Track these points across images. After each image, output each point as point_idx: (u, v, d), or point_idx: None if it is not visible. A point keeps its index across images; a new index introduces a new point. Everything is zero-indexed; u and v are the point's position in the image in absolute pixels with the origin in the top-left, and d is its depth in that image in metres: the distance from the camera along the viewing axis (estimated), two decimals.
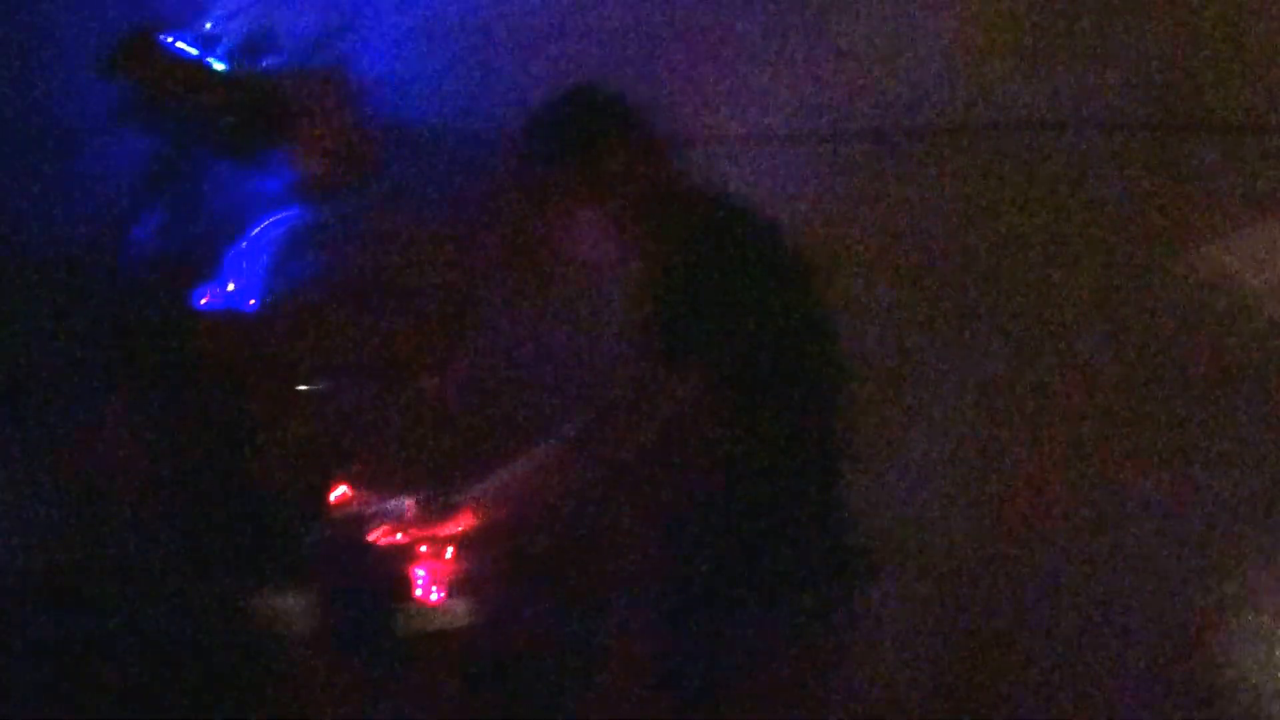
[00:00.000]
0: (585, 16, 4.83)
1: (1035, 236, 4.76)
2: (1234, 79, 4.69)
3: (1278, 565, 4.67)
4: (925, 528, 4.75)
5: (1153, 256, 4.74)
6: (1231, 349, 4.69)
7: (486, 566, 4.14)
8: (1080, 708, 4.70)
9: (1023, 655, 4.73)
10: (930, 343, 4.79)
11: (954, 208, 4.78)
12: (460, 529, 4.11)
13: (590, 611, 4.42)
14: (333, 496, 4.20)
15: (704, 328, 3.96)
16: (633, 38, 4.81)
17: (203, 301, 4.38)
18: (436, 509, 4.13)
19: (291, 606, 4.16)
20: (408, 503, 4.15)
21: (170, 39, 4.45)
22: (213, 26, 4.47)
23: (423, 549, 4.11)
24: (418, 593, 4.09)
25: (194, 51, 4.46)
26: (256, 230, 4.43)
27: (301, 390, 4.30)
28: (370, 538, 4.14)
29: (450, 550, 4.11)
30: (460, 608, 4.11)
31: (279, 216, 4.44)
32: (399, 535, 4.12)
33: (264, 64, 4.50)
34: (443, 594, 4.10)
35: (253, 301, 4.36)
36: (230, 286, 4.39)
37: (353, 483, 4.21)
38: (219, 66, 4.46)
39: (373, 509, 4.17)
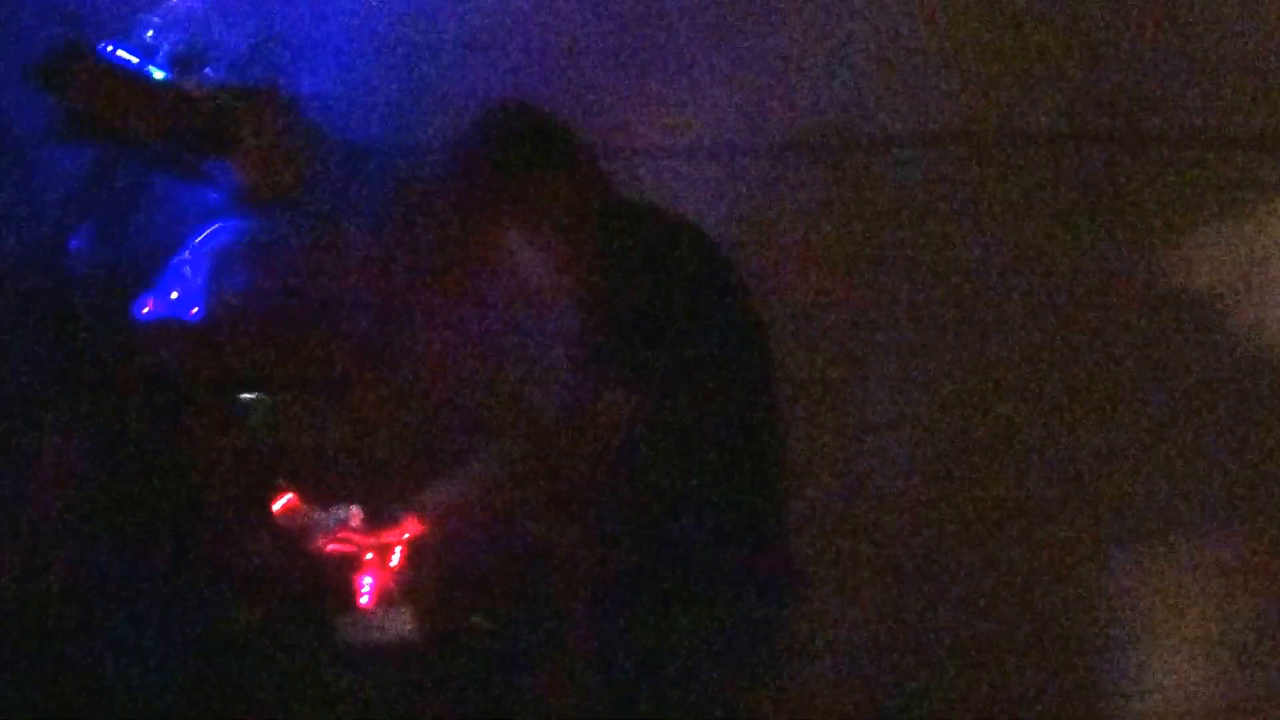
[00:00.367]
0: (518, 32, 4.86)
1: (972, 246, 4.84)
2: (1180, 91, 4.78)
3: (1223, 564, 4.77)
4: (863, 536, 4.81)
5: (1095, 266, 4.82)
6: (1179, 354, 4.78)
7: (431, 575, 4.15)
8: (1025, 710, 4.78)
9: (967, 660, 4.80)
10: (868, 352, 4.85)
11: (888, 219, 4.85)
12: (406, 537, 4.13)
13: (531, 620, 4.44)
14: (278, 505, 4.20)
15: (638, 341, 4.00)
16: (566, 53, 4.86)
17: (145, 311, 4.37)
18: (382, 518, 4.15)
19: (235, 615, 4.15)
20: (353, 511, 4.17)
21: (110, 48, 4.43)
22: (153, 36, 4.44)
23: (368, 557, 4.12)
24: (363, 601, 4.10)
25: (134, 60, 4.44)
26: (199, 239, 4.43)
27: (244, 399, 4.30)
28: (315, 546, 4.15)
29: (396, 559, 4.12)
30: (405, 616, 4.12)
31: (222, 226, 4.44)
32: (344, 543, 4.14)
33: (202, 75, 4.49)
34: (388, 602, 4.11)
35: (195, 311, 4.36)
36: (173, 295, 4.38)
37: (298, 491, 4.21)
38: (159, 75, 4.44)
39: (318, 517, 4.18)
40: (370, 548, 4.13)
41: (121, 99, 4.40)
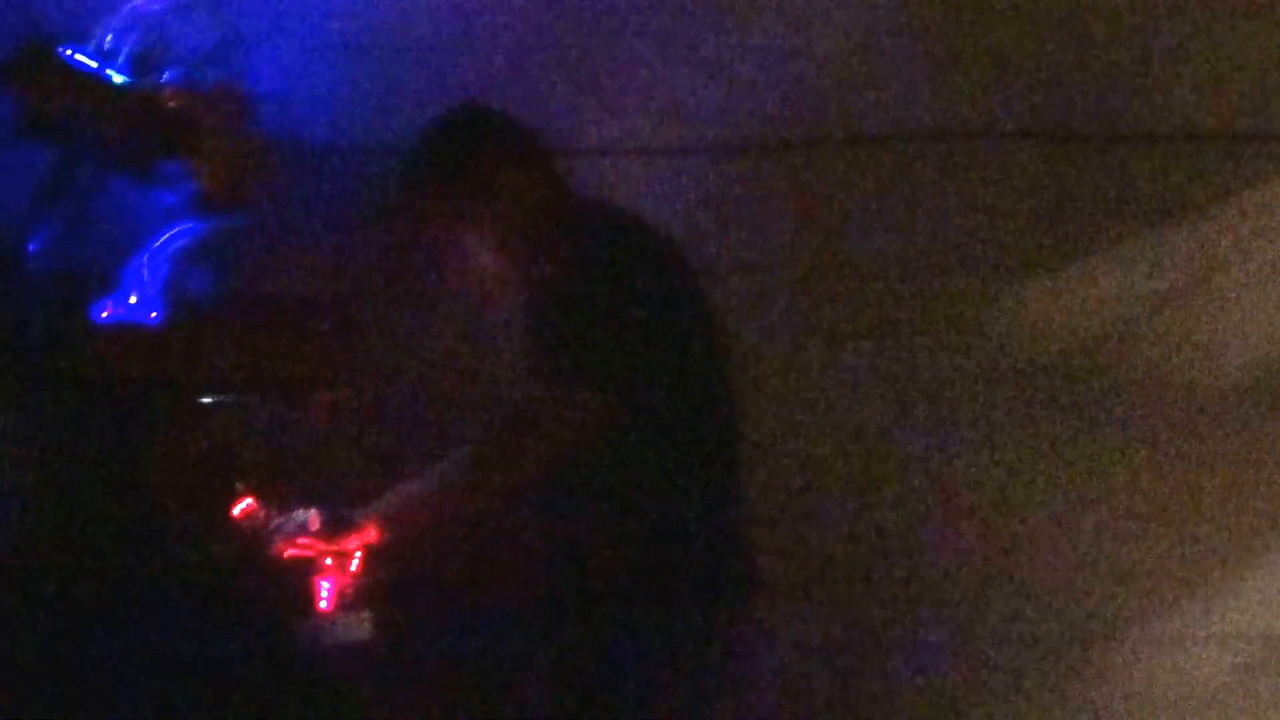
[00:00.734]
0: (476, 33, 4.87)
1: (923, 245, 4.87)
2: (1128, 89, 4.84)
3: (1166, 574, 4.83)
4: (812, 545, 4.84)
5: (1043, 265, 4.86)
6: (1124, 357, 4.83)
7: (391, 580, 4.17)
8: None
9: (912, 670, 4.85)
10: (821, 351, 4.88)
11: (850, 218, 4.87)
12: (365, 542, 4.15)
13: (489, 624, 4.47)
14: (237, 509, 4.21)
15: (596, 342, 4.02)
16: (526, 53, 4.87)
17: (104, 315, 4.37)
18: (341, 522, 4.17)
19: (194, 619, 4.15)
20: (312, 515, 4.19)
21: (70, 51, 4.43)
22: (113, 40, 4.44)
23: (327, 562, 4.14)
24: (322, 605, 4.12)
25: (93, 64, 4.44)
26: (159, 242, 4.42)
27: (203, 403, 4.30)
28: (274, 550, 4.16)
29: (355, 563, 4.14)
30: (365, 620, 4.14)
31: (181, 229, 4.44)
32: (303, 548, 4.16)
33: (161, 78, 4.49)
34: (347, 607, 4.12)
35: (155, 315, 4.36)
36: (132, 299, 4.38)
37: (257, 495, 4.22)
38: (119, 79, 4.44)
39: (277, 522, 4.20)
40: (329, 552, 4.15)
41: (80, 101, 4.40)
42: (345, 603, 4.13)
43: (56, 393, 4.26)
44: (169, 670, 3.98)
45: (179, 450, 4.28)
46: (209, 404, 4.32)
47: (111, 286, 4.41)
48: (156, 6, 4.52)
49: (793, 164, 4.91)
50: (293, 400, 4.39)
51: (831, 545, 4.88)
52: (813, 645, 4.85)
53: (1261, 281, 4.84)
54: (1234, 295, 4.85)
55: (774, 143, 4.89)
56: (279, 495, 4.25)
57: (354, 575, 4.15)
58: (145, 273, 4.41)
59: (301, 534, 4.18)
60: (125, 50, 4.48)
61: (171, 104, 4.46)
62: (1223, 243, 4.84)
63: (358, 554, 4.16)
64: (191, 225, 4.46)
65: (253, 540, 4.18)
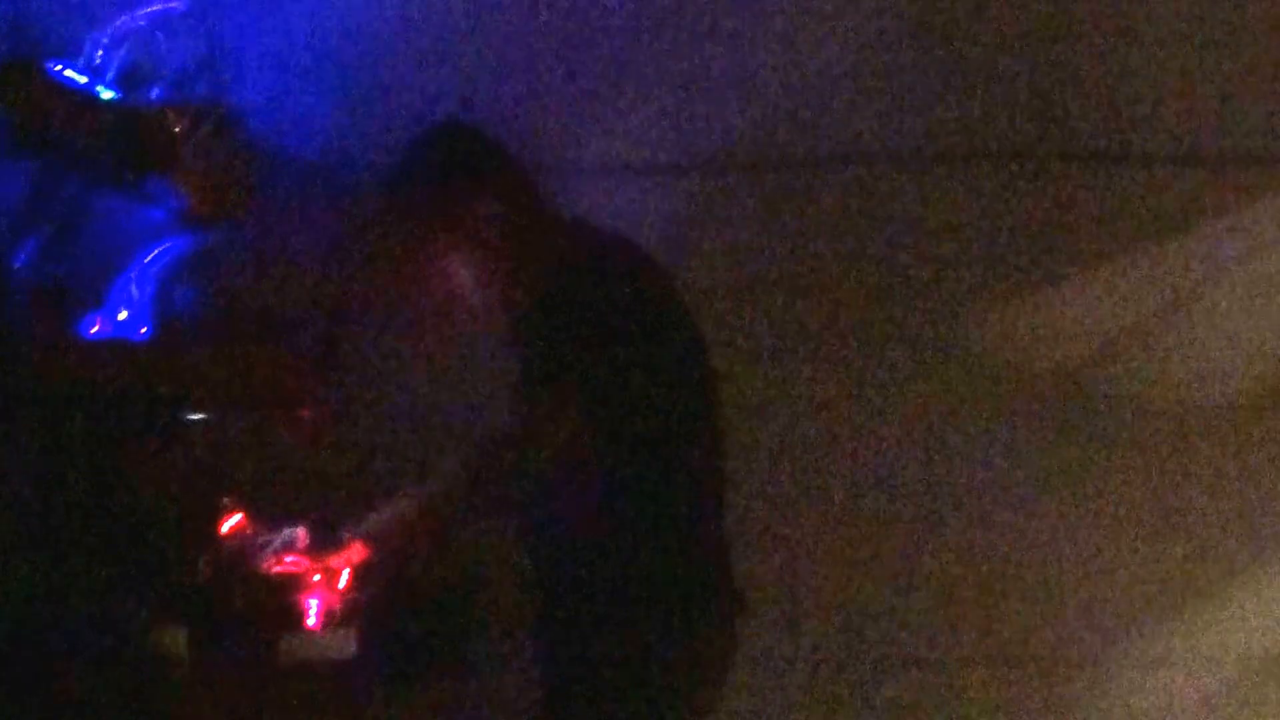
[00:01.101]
0: (457, 50, 4.88)
1: (911, 262, 4.89)
2: (1099, 108, 4.85)
3: (1151, 593, 4.85)
4: (807, 555, 4.86)
5: (1032, 284, 4.88)
6: (1114, 375, 4.86)
7: (378, 596, 4.17)
8: None
9: (892, 689, 4.87)
10: (800, 369, 4.89)
11: (828, 237, 4.89)
12: (353, 559, 4.14)
13: (473, 639, 4.48)
14: (225, 526, 4.20)
15: (577, 359, 4.03)
16: (504, 72, 4.87)
17: (93, 330, 4.37)
18: (329, 539, 4.16)
19: (180, 635, 4.14)
20: (300, 531, 4.18)
21: (58, 67, 4.43)
22: (102, 56, 4.44)
23: (315, 578, 4.13)
24: (310, 621, 4.11)
25: (82, 80, 4.44)
26: (148, 258, 4.43)
27: (191, 419, 4.30)
28: (262, 566, 4.16)
29: (344, 580, 4.13)
30: (352, 637, 4.14)
31: (170, 244, 4.44)
32: (291, 565, 4.15)
33: (149, 94, 4.49)
34: (335, 624, 4.12)
35: (144, 330, 4.36)
36: (122, 315, 4.38)
37: (245, 511, 4.21)
38: (107, 95, 4.44)
39: (265, 538, 4.19)
40: (317, 569, 4.14)
41: (67, 116, 4.40)
42: (333, 620, 4.12)
43: (44, 409, 4.26)
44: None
45: (167, 466, 4.28)
46: (197, 420, 4.32)
47: (100, 302, 4.42)
48: (144, 22, 4.53)
49: (780, 182, 4.91)
50: (281, 416, 4.39)
51: (813, 562, 4.88)
52: (796, 660, 4.86)
53: (1252, 299, 4.86)
54: (1224, 313, 4.86)
55: (761, 160, 4.90)
56: (267, 512, 4.23)
57: (342, 592, 4.13)
58: (134, 289, 4.41)
59: (289, 550, 4.17)
60: (113, 66, 4.49)
61: (158, 120, 4.47)
62: (1213, 261, 4.85)
63: (346, 571, 4.14)
64: (179, 241, 4.47)
65: (241, 557, 4.16)
